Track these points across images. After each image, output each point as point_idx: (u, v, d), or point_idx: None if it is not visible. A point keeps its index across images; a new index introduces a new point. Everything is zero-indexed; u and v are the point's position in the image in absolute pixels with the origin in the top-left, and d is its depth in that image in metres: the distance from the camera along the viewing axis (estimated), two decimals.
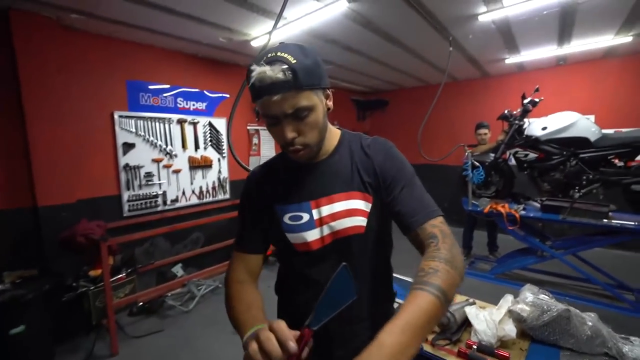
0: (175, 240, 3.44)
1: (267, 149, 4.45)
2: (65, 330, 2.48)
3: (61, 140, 2.56)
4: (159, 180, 3.25)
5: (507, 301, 1.46)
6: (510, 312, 1.36)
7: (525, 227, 2.96)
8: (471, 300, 1.53)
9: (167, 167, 3.31)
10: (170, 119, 3.32)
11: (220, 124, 3.82)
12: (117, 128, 2.93)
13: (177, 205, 3.42)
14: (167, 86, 3.32)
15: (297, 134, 0.70)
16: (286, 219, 0.79)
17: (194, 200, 3.58)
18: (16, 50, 2.32)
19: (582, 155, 2.74)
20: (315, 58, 0.68)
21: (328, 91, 0.74)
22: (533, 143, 2.91)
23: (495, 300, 1.52)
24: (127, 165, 3.01)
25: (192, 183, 3.55)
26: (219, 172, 3.83)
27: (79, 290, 2.45)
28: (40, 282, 2.22)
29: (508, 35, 3.22)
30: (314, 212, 0.77)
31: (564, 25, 2.99)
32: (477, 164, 3.16)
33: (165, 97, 3.31)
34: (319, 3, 2.38)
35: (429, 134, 5.22)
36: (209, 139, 3.70)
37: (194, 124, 3.54)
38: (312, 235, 0.77)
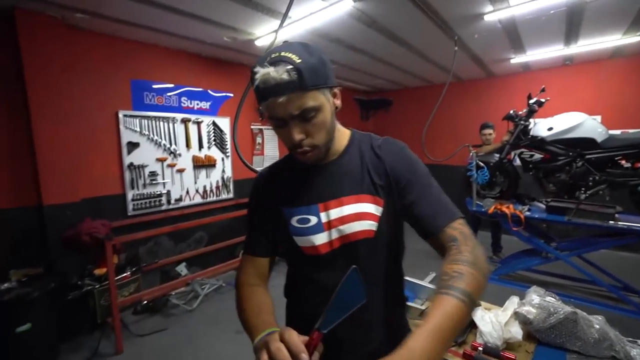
0: (179, 240, 3.46)
1: (270, 148, 4.46)
2: (70, 328, 2.50)
3: (66, 139, 2.57)
4: (163, 179, 3.26)
5: (512, 303, 1.45)
6: (517, 314, 1.35)
7: (530, 228, 2.95)
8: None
9: (171, 166, 3.32)
10: (174, 118, 3.33)
11: (224, 123, 3.83)
12: (121, 127, 2.94)
13: (181, 204, 3.43)
14: (171, 85, 3.33)
15: (304, 135, 0.68)
16: (294, 221, 0.77)
17: (198, 199, 3.59)
18: (21, 50, 2.33)
19: (588, 156, 2.72)
20: (320, 56, 0.66)
21: (335, 90, 0.72)
22: (539, 144, 2.89)
23: (498, 302, 1.51)
24: (131, 164, 3.02)
25: (196, 182, 3.56)
26: (223, 171, 3.83)
27: (84, 288, 2.46)
28: (45, 281, 2.23)
29: (514, 35, 3.20)
30: (323, 215, 0.75)
31: (571, 24, 2.96)
32: (482, 164, 3.15)
33: (170, 96, 3.32)
34: (324, 2, 2.37)
35: (433, 134, 5.19)
36: (213, 138, 3.71)
37: (198, 123, 3.54)
38: (320, 239, 0.75)
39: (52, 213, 2.50)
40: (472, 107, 5.28)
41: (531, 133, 2.94)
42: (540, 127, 2.88)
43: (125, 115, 2.97)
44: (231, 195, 3.94)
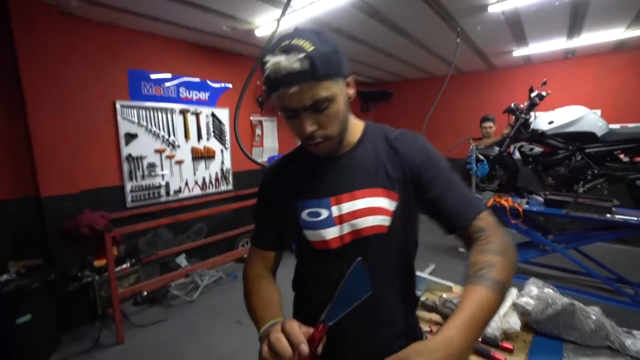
0: (179, 231, 3.46)
1: (270, 140, 4.43)
2: (71, 319, 2.52)
3: (63, 130, 2.54)
4: (162, 171, 3.24)
5: (511, 294, 1.47)
6: (515, 305, 1.37)
7: (528, 221, 2.97)
8: None
9: (169, 157, 3.30)
10: (172, 109, 3.29)
11: (223, 114, 3.79)
12: (119, 118, 2.91)
13: (180, 196, 3.42)
14: (169, 75, 3.28)
15: (317, 126, 0.65)
16: (304, 215, 0.74)
17: (197, 191, 3.59)
18: (15, 39, 2.28)
19: (588, 150, 2.73)
20: (333, 44, 0.63)
21: (349, 78, 0.69)
22: (539, 137, 2.89)
23: None
24: (129, 155, 3.00)
25: (195, 174, 3.55)
26: (222, 163, 3.82)
27: (84, 280, 2.47)
28: (44, 272, 2.24)
29: (517, 27, 3.17)
30: (334, 208, 0.72)
31: (575, 17, 2.93)
32: (482, 157, 3.15)
33: (168, 86, 3.27)
34: None
35: (434, 127, 5.16)
36: (212, 129, 3.68)
37: (197, 114, 3.51)
38: (331, 233, 0.72)
39: (50, 204, 2.49)
40: (472, 100, 5.26)
41: (532, 126, 2.93)
42: (541, 120, 2.88)
43: (122, 106, 2.93)
44: (230, 187, 3.93)
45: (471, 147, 3.16)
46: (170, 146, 3.30)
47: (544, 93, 2.91)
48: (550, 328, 1.29)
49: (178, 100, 3.36)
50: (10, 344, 2.06)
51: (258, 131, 4.27)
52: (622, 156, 2.70)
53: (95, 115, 2.80)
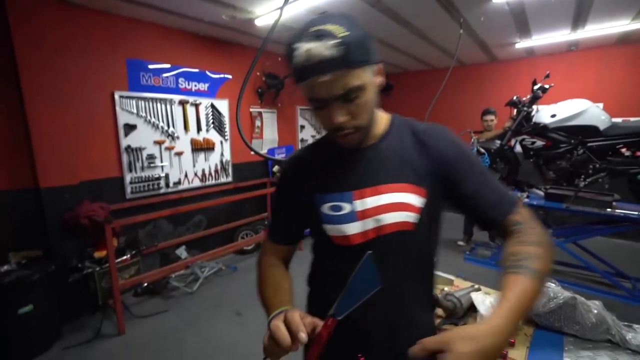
0: (178, 223, 3.45)
1: (269, 132, 4.40)
2: (72, 310, 2.53)
3: (61, 121, 2.51)
4: (161, 162, 3.22)
5: None
6: None
7: None
8: (476, 286, 1.54)
9: (169, 149, 3.27)
10: (171, 99, 3.25)
11: (223, 105, 3.75)
12: (117, 109, 2.87)
13: (180, 187, 3.41)
14: (168, 66, 3.23)
15: (347, 117, 0.62)
16: (325, 208, 0.71)
17: (197, 183, 3.57)
18: (11, 28, 2.23)
19: (590, 144, 2.71)
20: (364, 29, 0.59)
21: (379, 66, 0.65)
22: (541, 130, 2.87)
23: (494, 286, 1.54)
24: (128, 147, 2.97)
25: (194, 166, 3.52)
26: (222, 154, 3.79)
27: (84, 271, 2.47)
28: (45, 263, 2.24)
29: (521, 18, 3.12)
30: (357, 203, 0.69)
31: (581, 7, 2.88)
32: (483, 150, 3.13)
33: (167, 77, 3.23)
34: None
35: (434, 119, 4.99)
36: (212, 121, 3.65)
37: (196, 106, 3.47)
38: (353, 228, 0.69)
39: (49, 195, 2.47)
40: (474, 92, 5.22)
41: (534, 120, 2.91)
42: (544, 113, 2.85)
43: (121, 96, 2.89)
44: (230, 179, 3.91)
45: (472, 140, 3.15)
46: (170, 137, 3.27)
47: (547, 86, 2.88)
48: (551, 322, 1.30)
49: (177, 91, 3.32)
50: (12, 334, 2.07)
51: (258, 123, 4.24)
52: (623, 150, 2.69)
53: (94, 105, 2.76)
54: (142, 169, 3.09)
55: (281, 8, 1.18)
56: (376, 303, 0.67)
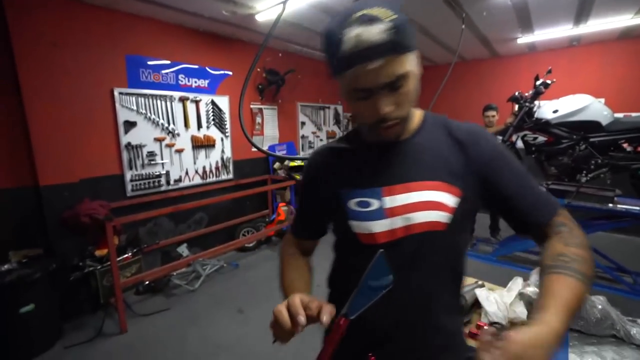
0: (179, 220, 3.44)
1: (270, 128, 4.38)
2: (73, 308, 2.52)
3: (61, 118, 2.49)
4: (162, 159, 3.20)
5: (517, 284, 1.47)
6: (521, 295, 1.37)
7: None
8: (480, 282, 1.54)
9: (169, 146, 3.25)
10: (171, 96, 3.23)
11: (223, 102, 3.73)
12: (117, 105, 2.85)
13: (181, 185, 3.39)
14: (168, 62, 3.21)
15: (392, 107, 0.59)
16: (352, 204, 0.68)
17: (198, 180, 3.55)
18: (9, 23, 2.20)
19: (592, 140, 2.70)
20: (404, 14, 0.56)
21: (418, 53, 0.62)
22: (543, 126, 2.86)
23: (496, 282, 1.54)
24: (129, 144, 2.95)
25: (195, 163, 3.51)
26: (222, 151, 3.77)
27: (85, 269, 2.46)
28: (46, 262, 2.22)
29: (524, 13, 3.10)
30: (386, 200, 0.65)
31: (584, 2, 2.86)
32: None
33: (166, 73, 3.20)
34: None
35: None
36: (212, 117, 3.62)
37: (196, 102, 3.45)
38: (381, 226, 0.65)
39: (49, 194, 2.46)
40: (475, 88, 5.20)
41: (536, 115, 2.90)
42: (546, 109, 2.84)
43: (121, 93, 2.86)
44: (231, 176, 3.90)
45: None
46: (170, 134, 3.25)
47: (549, 81, 2.87)
48: None
49: (177, 87, 3.29)
50: (13, 334, 2.06)
51: (258, 119, 4.22)
52: (625, 145, 2.68)
53: (93, 102, 2.74)
54: (143, 166, 3.07)
55: (284, 2, 1.16)
56: (402, 304, 0.66)
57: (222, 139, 3.75)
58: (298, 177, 3.95)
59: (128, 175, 2.97)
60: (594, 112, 2.68)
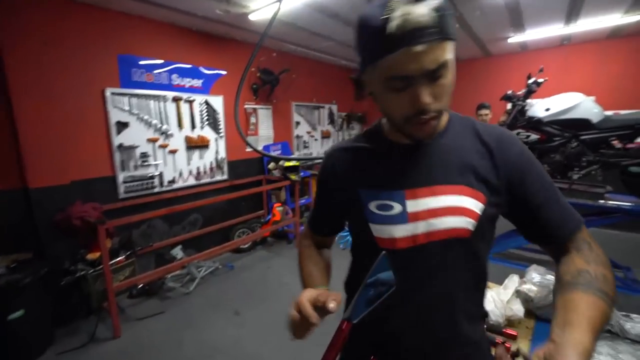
0: (173, 222, 3.40)
1: (265, 128, 4.36)
2: (65, 313, 2.47)
3: (50, 118, 2.44)
4: (155, 160, 3.16)
5: (513, 282, 1.48)
6: (518, 292, 1.38)
7: None
8: None
9: (163, 147, 3.21)
10: (165, 96, 3.18)
11: (217, 102, 3.69)
12: (109, 106, 2.79)
13: (174, 186, 3.35)
14: (161, 61, 3.16)
15: (431, 98, 0.54)
16: (372, 207, 0.65)
17: (192, 181, 3.51)
18: None
19: (583, 137, 2.74)
20: None
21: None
22: (535, 124, 2.89)
23: (491, 279, 1.55)
24: (121, 145, 2.90)
25: (189, 164, 3.46)
26: (217, 152, 3.74)
27: (77, 273, 2.41)
28: (36, 266, 2.17)
29: (516, 12, 3.13)
30: (409, 203, 0.62)
31: (575, 1, 2.90)
32: None
33: (159, 73, 3.15)
34: None
35: None
36: (206, 117, 3.59)
37: (190, 102, 3.41)
38: (402, 231, 0.62)
39: (39, 196, 2.40)
40: (468, 87, 5.24)
41: (528, 114, 2.93)
42: (538, 107, 2.87)
43: (113, 93, 2.81)
44: (225, 176, 3.86)
45: None
46: (163, 135, 3.20)
47: (541, 80, 2.90)
48: (551, 314, 1.30)
49: (170, 87, 3.25)
50: (2, 340, 2.01)
51: (253, 119, 4.19)
52: (615, 142, 2.73)
53: (84, 102, 2.68)
54: (136, 167, 3.02)
55: (280, 0, 1.14)
56: (423, 313, 0.64)
57: (216, 140, 3.72)
58: (293, 177, 3.93)
59: (121, 176, 2.92)
60: (584, 110, 2.72)
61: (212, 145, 3.68)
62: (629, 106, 3.89)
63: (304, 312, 0.54)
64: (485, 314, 0.74)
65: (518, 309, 1.30)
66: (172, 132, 3.27)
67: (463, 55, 4.97)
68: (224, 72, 3.74)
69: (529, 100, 3.02)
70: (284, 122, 4.72)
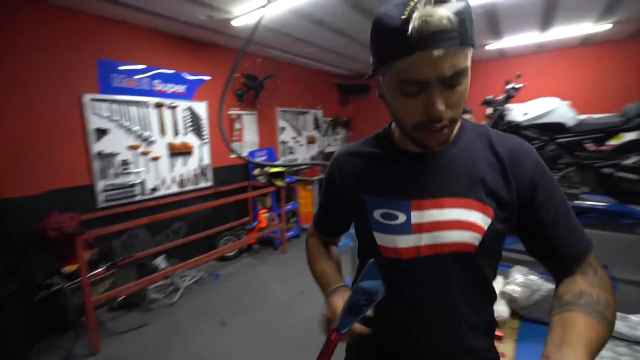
0: (156, 231, 3.30)
1: (249, 134, 4.32)
2: (41, 330, 2.35)
3: (24, 125, 2.34)
4: (137, 168, 3.07)
5: (497, 282, 1.51)
6: (502, 293, 1.40)
7: None
8: None
9: (144, 154, 3.12)
10: (146, 102, 3.11)
11: (201, 108, 3.64)
12: (88, 112, 2.70)
13: (157, 194, 3.26)
14: (143, 67, 3.09)
15: (445, 106, 0.52)
16: (376, 215, 0.64)
17: (175, 188, 3.43)
18: None
19: (559, 141, 2.85)
20: None
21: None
22: (514, 128, 2.98)
23: None
24: (100, 152, 2.80)
25: (172, 171, 3.38)
26: (201, 159, 3.67)
27: (52, 287, 2.30)
28: (8, 281, 2.06)
29: (494, 20, 3.24)
30: (414, 214, 0.61)
31: (549, 10, 3.03)
32: None
33: (141, 78, 3.08)
34: None
35: None
36: (190, 124, 3.52)
37: (173, 108, 3.34)
38: (406, 241, 0.62)
39: (11, 207, 2.28)
40: None
41: (507, 118, 3.02)
42: (516, 112, 2.97)
43: (92, 99, 2.72)
44: (210, 183, 3.80)
45: None
46: (145, 142, 3.12)
47: (518, 85, 3.01)
48: (536, 314, 1.33)
49: (152, 93, 3.18)
50: None
51: (237, 125, 4.14)
52: (589, 145, 2.85)
53: (61, 108, 2.58)
54: (116, 175, 2.93)
55: (264, 6, 1.14)
56: (427, 325, 0.64)
57: (200, 146, 3.65)
58: (279, 183, 3.91)
59: (100, 185, 2.82)
60: (560, 114, 2.83)
61: (195, 151, 3.61)
62: (601, 110, 4.07)
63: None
64: (492, 324, 0.72)
65: (503, 310, 1.31)
66: (154, 139, 3.19)
67: None
68: (207, 78, 3.70)
69: (508, 105, 3.12)
70: (269, 128, 4.70)
